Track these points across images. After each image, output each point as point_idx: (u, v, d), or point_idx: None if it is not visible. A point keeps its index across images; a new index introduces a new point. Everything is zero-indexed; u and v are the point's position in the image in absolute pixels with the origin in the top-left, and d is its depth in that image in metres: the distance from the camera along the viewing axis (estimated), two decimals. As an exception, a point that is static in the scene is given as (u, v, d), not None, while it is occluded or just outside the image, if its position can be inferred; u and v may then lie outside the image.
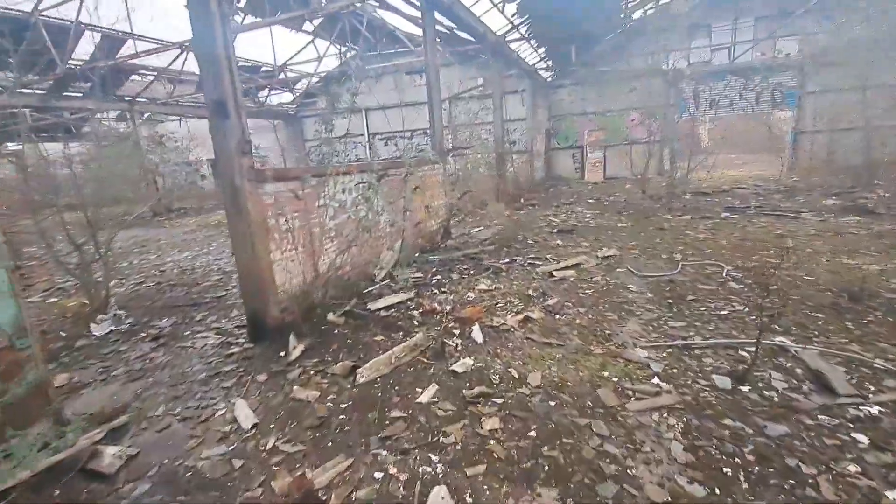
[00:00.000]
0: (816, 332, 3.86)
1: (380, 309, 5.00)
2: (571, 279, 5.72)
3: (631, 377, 3.31)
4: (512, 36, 13.08)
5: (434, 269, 6.53)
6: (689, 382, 3.20)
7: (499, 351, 3.83)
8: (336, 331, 4.53)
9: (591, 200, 13.13)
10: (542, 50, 15.99)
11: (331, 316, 4.79)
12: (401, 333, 4.34)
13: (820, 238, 7.07)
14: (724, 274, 5.55)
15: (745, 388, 3.07)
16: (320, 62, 19.24)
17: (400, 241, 6.83)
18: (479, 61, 17.71)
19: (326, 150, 5.43)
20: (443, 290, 5.60)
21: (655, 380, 3.25)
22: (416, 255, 7.18)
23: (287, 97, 23.70)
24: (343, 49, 20.73)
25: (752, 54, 17.54)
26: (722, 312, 4.40)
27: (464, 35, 12.98)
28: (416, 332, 4.27)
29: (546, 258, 6.86)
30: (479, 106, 19.75)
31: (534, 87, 17.10)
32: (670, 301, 4.78)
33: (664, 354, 3.63)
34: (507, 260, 6.83)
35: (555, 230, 8.91)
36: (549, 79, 19.78)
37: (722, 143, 16.37)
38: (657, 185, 14.94)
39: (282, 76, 20.49)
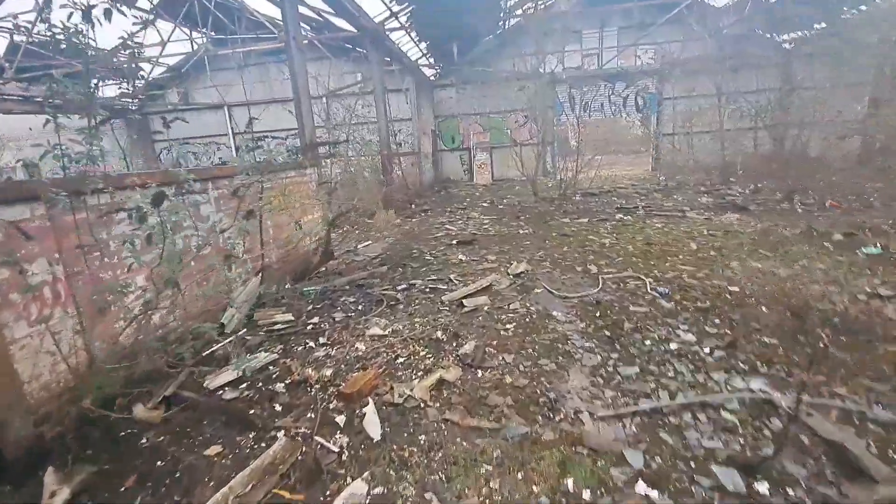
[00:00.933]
0: (784, 368, 3.18)
1: (222, 388, 3.33)
2: (486, 308, 4.60)
3: (606, 484, 2.21)
4: (392, 24, 11.80)
5: (310, 307, 4.96)
6: (687, 484, 2.19)
7: (407, 455, 2.49)
8: (145, 440, 2.79)
9: (484, 204, 12.41)
10: (424, 45, 14.97)
11: (140, 410, 3.02)
12: (252, 435, 2.77)
13: (716, 238, 6.93)
14: (648, 289, 4.88)
15: (762, 488, 2.13)
16: (164, 48, 16.03)
17: (258, 274, 5.12)
18: (358, 55, 16.15)
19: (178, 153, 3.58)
20: (321, 341, 4.09)
21: (641, 486, 2.19)
22: (287, 286, 5.52)
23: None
24: (195, 35, 17.75)
25: (617, 61, 18.50)
26: (672, 346, 3.59)
27: (339, 22, 11.40)
28: (278, 431, 2.75)
29: (450, 279, 5.68)
30: (361, 103, 18.22)
31: (418, 86, 16.05)
32: (608, 334, 3.87)
33: (634, 429, 2.62)
34: (403, 286, 5.51)
35: (454, 241, 7.83)
36: (433, 77, 18.94)
37: (596, 145, 17.03)
38: (545, 186, 14.86)
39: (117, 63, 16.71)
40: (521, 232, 8.37)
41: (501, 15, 15.72)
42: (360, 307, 4.88)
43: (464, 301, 4.73)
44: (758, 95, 16.82)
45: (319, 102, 18.25)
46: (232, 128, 20.24)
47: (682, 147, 17.37)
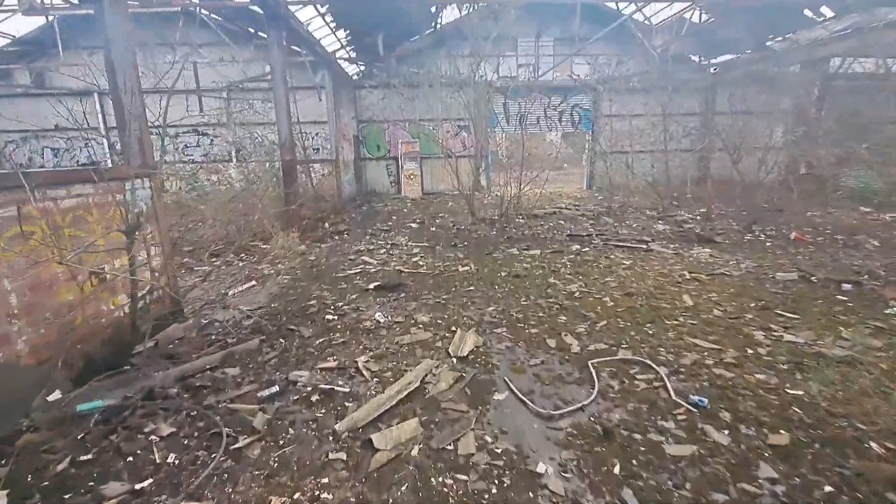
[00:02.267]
0: None
1: None
2: (414, 455, 2.51)
3: None
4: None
5: (68, 457, 2.54)
6: None
7: None
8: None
9: (414, 225, 10.34)
10: (344, 36, 12.68)
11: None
12: None
13: (705, 286, 5.43)
14: (671, 392, 3.07)
15: None
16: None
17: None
18: (264, 43, 13.44)
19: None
20: None
21: None
22: (54, 393, 3.03)
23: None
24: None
25: (553, 74, 17.44)
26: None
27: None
28: None
29: (357, 369, 3.52)
30: (268, 100, 15.41)
31: (337, 83, 13.68)
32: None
33: None
34: (274, 388, 3.24)
35: (371, 285, 5.65)
36: (357, 76, 16.63)
37: (524, 162, 15.74)
38: (481, 203, 13.13)
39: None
40: (462, 269, 6.38)
41: (433, 10, 13.86)
42: (175, 456, 2.55)
43: (373, 438, 2.58)
44: (688, 118, 16.58)
45: (215, 97, 15.24)
46: (103, 118, 16.40)
47: (617, 166, 16.60)
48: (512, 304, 4.91)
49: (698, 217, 9.97)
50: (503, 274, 6.07)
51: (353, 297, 5.29)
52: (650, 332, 4.10)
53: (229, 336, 4.28)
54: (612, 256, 6.93)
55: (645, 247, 7.45)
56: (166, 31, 14.11)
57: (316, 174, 14.61)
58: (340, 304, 5.05)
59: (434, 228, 9.78)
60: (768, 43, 15.14)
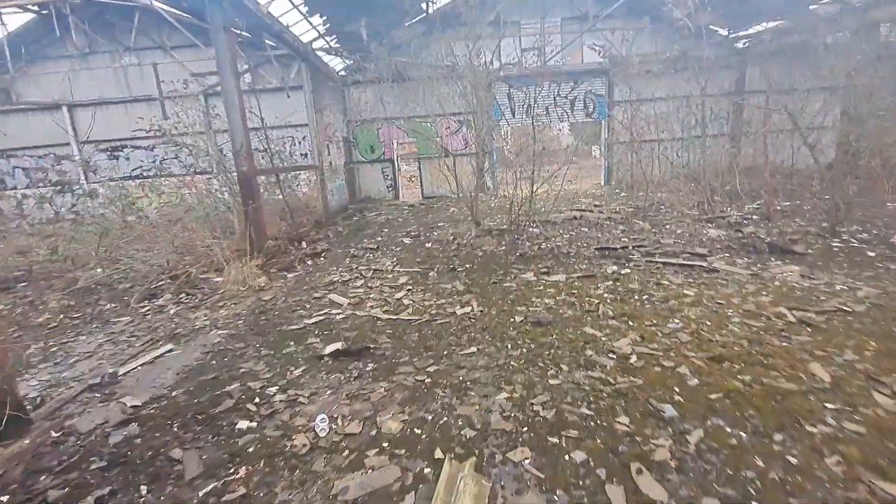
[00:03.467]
0: None
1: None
2: None
3: None
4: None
5: None
6: None
7: None
8: None
9: (407, 240, 8.56)
10: (321, 22, 10.95)
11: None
12: None
13: (821, 334, 3.56)
14: None
15: None
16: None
17: None
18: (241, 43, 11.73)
19: None
20: None
21: None
22: None
23: None
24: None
25: (561, 57, 15.53)
26: None
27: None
28: None
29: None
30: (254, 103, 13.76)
31: (318, 80, 11.96)
32: None
33: None
34: None
35: (329, 348, 3.88)
36: (344, 72, 14.90)
37: (530, 157, 13.87)
38: (487, 208, 11.31)
39: None
40: (460, 312, 4.58)
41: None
42: None
43: None
44: (717, 99, 14.56)
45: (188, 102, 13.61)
46: (75, 135, 14.89)
47: (641, 158, 14.62)
48: (535, 384, 3.10)
49: (754, 217, 8.04)
50: (518, 319, 4.25)
51: (298, 372, 3.53)
52: (787, 454, 2.27)
53: (71, 470, 2.56)
54: (665, 282, 5.07)
55: (705, 264, 5.57)
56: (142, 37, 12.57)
57: (302, 184, 12.95)
58: (273, 389, 3.29)
59: (430, 244, 7.99)
60: (813, 7, 13.01)
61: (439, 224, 10.15)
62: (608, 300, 4.60)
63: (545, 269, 5.86)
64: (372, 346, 3.86)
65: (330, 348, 3.82)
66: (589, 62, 15.34)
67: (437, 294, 5.22)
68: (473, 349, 3.70)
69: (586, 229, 8.27)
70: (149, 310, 5.43)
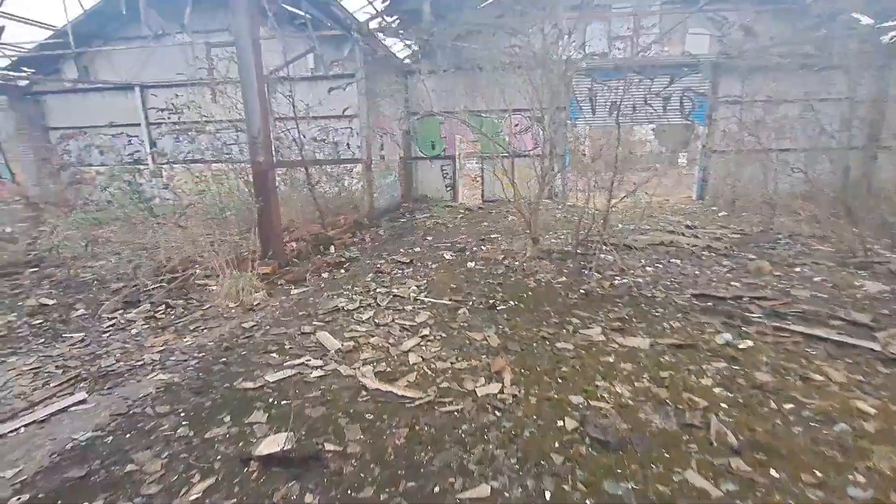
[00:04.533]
0: None
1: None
2: None
3: None
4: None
5: None
6: None
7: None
8: None
9: (448, 254, 7.08)
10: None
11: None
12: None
13: None
14: None
15: None
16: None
17: None
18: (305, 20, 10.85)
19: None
20: None
21: None
22: None
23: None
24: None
25: (657, 48, 13.20)
26: None
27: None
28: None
29: None
30: (311, 91, 13.01)
31: (372, 66, 10.81)
32: None
33: None
34: None
35: (264, 444, 2.52)
36: (409, 59, 13.70)
37: (608, 163, 11.70)
38: (551, 220, 9.55)
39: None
40: (482, 392, 3.01)
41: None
42: None
43: None
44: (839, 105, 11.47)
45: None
46: (146, 116, 15.09)
47: (750, 170, 11.97)
48: None
49: (932, 263, 5.64)
50: (569, 425, 2.63)
51: (199, 488, 2.21)
52: None
53: None
54: (817, 375, 3.16)
55: (875, 346, 3.55)
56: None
57: (355, 180, 11.94)
58: (142, 528, 2.00)
59: (474, 263, 6.45)
60: None
61: (492, 235, 8.58)
62: (723, 404, 2.83)
63: (619, 322, 4.13)
64: (329, 451, 2.44)
65: (266, 447, 2.46)
66: (691, 53, 12.89)
67: (459, 349, 3.70)
68: (485, 489, 2.16)
69: (677, 261, 6.30)
70: (112, 325, 4.45)
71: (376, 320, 4.35)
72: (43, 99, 15.54)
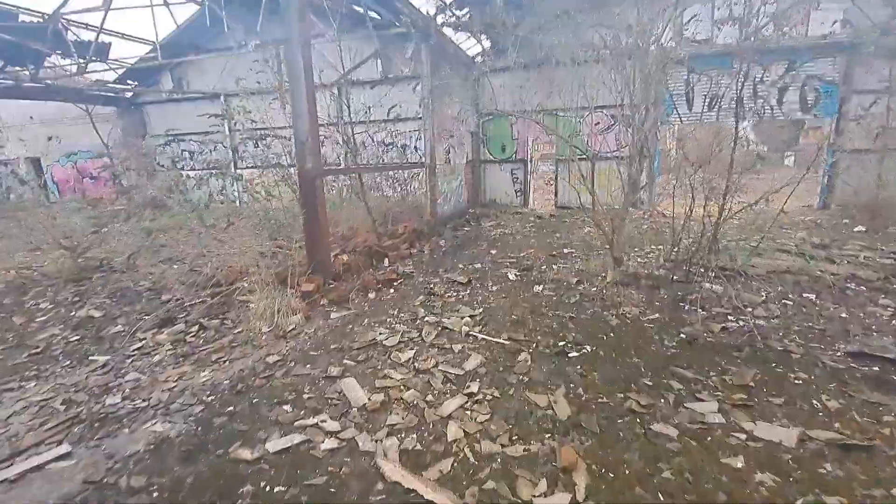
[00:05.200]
0: None
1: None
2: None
3: None
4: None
5: None
6: None
7: None
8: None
9: (513, 274, 6.13)
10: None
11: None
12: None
13: None
14: None
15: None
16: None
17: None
18: (378, 21, 10.46)
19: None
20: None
21: None
22: None
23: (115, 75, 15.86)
24: None
25: (771, 29, 11.10)
26: None
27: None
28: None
29: None
30: (380, 94, 12.70)
31: (437, 63, 10.10)
32: None
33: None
34: None
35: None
36: (481, 56, 12.87)
37: (702, 164, 9.79)
38: (637, 233, 8.24)
39: (74, 36, 12.67)
40: None
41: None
42: None
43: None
44: None
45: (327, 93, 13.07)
46: (228, 122, 15.75)
47: (871, 173, 9.61)
48: None
49: None
50: None
51: None
52: None
53: None
54: None
55: None
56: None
57: (414, 181, 11.37)
58: None
59: (542, 287, 5.45)
60: None
61: (566, 250, 7.48)
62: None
63: (742, 395, 2.96)
64: None
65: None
66: (819, 35, 10.72)
67: (515, 420, 2.78)
68: None
69: (812, 296, 4.83)
70: (140, 347, 4.11)
71: (416, 364, 3.56)
72: (144, 108, 16.86)
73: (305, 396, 3.14)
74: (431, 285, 5.69)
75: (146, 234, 5.94)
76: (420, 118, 10.21)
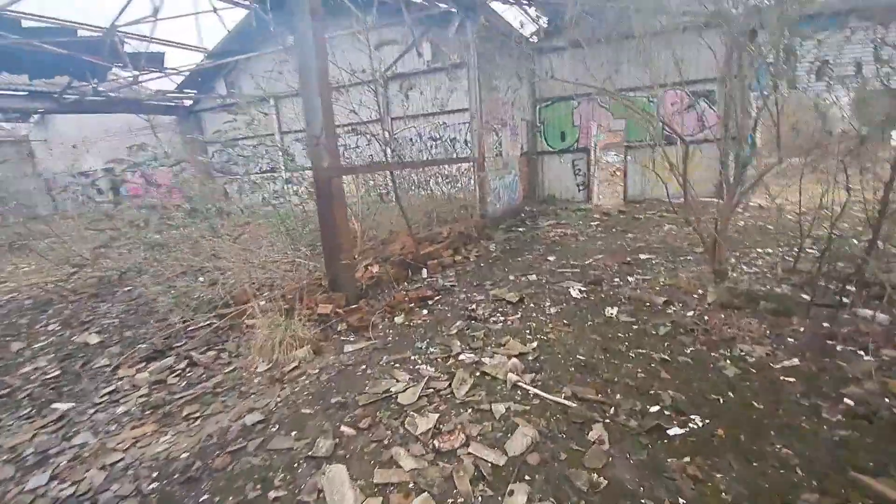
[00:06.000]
0: None
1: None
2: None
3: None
4: None
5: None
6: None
7: None
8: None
9: (576, 290, 4.83)
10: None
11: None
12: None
13: None
14: None
15: None
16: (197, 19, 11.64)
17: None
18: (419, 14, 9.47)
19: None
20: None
21: None
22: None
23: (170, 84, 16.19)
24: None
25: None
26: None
27: None
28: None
29: None
30: (425, 85, 11.72)
31: (486, 46, 8.86)
32: None
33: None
34: None
35: None
36: (534, 36, 11.48)
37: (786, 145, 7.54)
38: (737, 233, 6.61)
39: (131, 48, 12.87)
40: None
41: None
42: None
43: None
44: None
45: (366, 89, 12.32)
46: (278, 123, 15.59)
47: None
48: None
49: None
50: None
51: None
52: None
53: None
54: None
55: None
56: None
57: (463, 177, 10.25)
58: None
59: (616, 310, 4.13)
60: None
61: (643, 255, 6.04)
62: None
63: None
64: None
65: None
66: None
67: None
68: None
69: None
70: (113, 390, 3.37)
71: (437, 441, 2.46)
72: (201, 115, 17.15)
73: (271, 496, 2.15)
74: (473, 305, 4.56)
75: (150, 247, 5.35)
76: (467, 109, 9.05)
